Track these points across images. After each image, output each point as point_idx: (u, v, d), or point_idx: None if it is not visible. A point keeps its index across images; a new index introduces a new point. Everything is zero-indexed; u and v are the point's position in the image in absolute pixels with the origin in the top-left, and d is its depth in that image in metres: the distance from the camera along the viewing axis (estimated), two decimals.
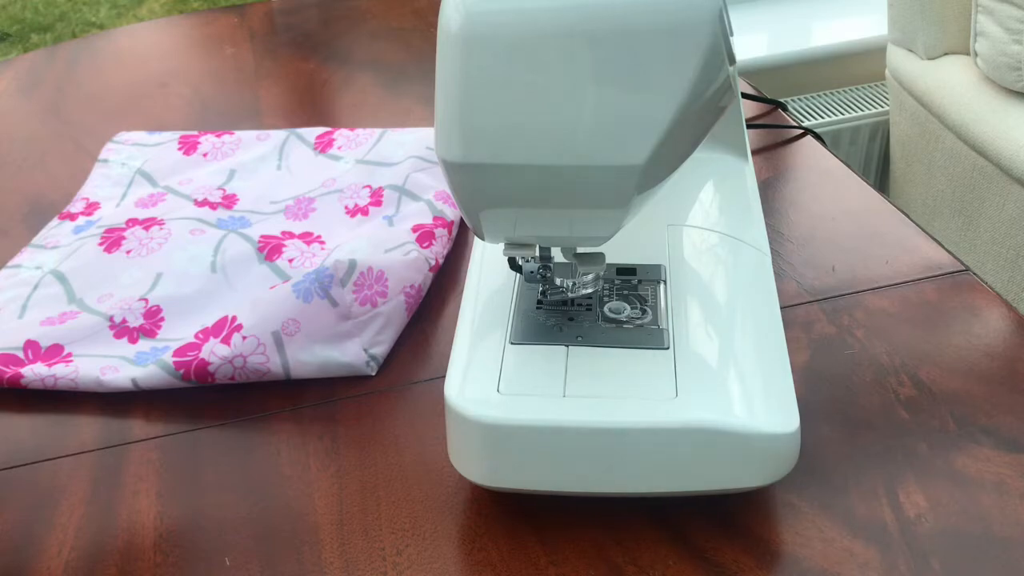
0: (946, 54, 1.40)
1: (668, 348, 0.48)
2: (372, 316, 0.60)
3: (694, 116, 0.40)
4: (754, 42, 1.66)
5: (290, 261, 0.67)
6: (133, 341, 0.62)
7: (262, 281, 0.66)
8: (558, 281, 0.51)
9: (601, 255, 0.49)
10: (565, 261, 0.49)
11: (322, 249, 0.68)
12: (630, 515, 0.48)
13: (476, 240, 0.58)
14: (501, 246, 0.48)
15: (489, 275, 0.55)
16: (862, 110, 1.61)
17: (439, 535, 0.49)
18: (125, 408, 0.58)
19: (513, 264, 0.52)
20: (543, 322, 0.50)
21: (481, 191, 0.42)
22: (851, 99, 1.64)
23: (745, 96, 0.86)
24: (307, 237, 0.70)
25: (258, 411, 0.58)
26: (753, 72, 1.59)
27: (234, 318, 0.59)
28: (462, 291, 0.54)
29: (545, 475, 0.47)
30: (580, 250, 0.49)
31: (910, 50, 1.44)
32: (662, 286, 0.53)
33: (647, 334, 0.49)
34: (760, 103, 0.87)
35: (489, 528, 0.49)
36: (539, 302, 0.52)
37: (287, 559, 0.48)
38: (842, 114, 1.60)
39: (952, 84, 1.34)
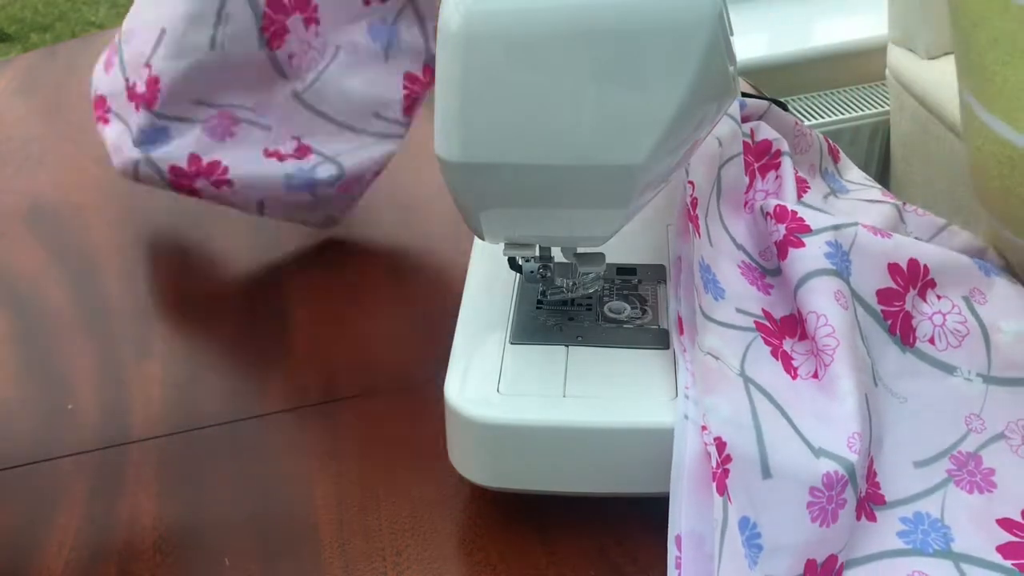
0: (946, 54, 1.40)
1: (668, 348, 0.48)
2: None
3: (694, 116, 0.40)
4: (754, 42, 1.66)
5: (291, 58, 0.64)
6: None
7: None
8: (558, 281, 0.51)
9: (601, 255, 0.49)
10: (565, 261, 0.49)
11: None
12: (630, 515, 0.48)
13: (476, 240, 0.58)
14: (501, 246, 0.48)
15: (489, 275, 0.55)
16: (862, 110, 1.61)
17: (439, 535, 0.49)
18: (125, 408, 0.58)
19: (513, 264, 0.52)
20: (543, 322, 0.50)
21: (481, 191, 0.42)
22: (851, 99, 1.64)
23: (745, 96, 0.85)
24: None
25: (258, 411, 0.58)
26: (753, 72, 1.58)
27: None
28: (462, 291, 0.54)
29: (545, 475, 0.47)
30: (580, 250, 0.49)
31: (910, 50, 1.44)
32: (662, 286, 0.53)
33: (647, 334, 0.49)
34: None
35: (489, 528, 0.49)
36: (539, 302, 0.52)
37: (287, 559, 0.48)
38: (842, 114, 1.60)
39: (952, 84, 1.33)
